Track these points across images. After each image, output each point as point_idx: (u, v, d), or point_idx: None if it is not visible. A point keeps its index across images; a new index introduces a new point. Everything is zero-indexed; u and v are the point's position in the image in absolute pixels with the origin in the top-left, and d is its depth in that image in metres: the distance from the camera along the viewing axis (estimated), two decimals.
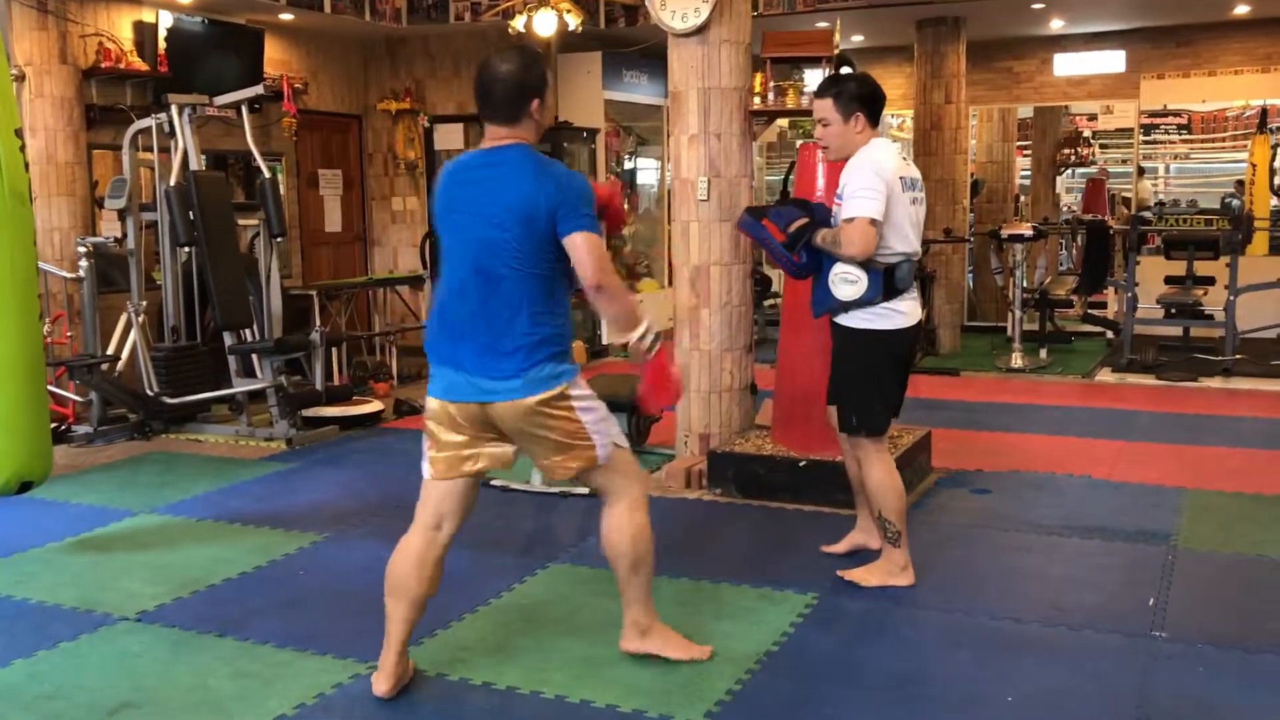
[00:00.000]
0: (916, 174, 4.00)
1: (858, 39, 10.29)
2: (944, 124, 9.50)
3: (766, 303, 9.50)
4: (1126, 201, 11.79)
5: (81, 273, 6.90)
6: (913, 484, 5.09)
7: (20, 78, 7.23)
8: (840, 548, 4.37)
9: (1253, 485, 5.32)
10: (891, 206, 3.79)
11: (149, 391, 6.68)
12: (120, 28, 7.89)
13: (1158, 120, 11.03)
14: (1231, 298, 8.34)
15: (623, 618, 3.41)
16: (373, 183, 10.34)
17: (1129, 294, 8.68)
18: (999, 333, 10.11)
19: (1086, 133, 12.80)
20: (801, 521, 4.87)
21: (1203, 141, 11.27)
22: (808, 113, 4.91)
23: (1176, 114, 11.00)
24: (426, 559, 3.20)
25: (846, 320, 3.93)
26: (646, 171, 11.30)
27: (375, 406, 7.20)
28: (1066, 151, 12.53)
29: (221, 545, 4.68)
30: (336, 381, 7.54)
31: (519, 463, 5.49)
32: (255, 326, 7.04)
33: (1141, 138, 11.00)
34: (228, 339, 6.77)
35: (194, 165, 6.80)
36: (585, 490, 5.29)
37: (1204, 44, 10.07)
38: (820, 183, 5.20)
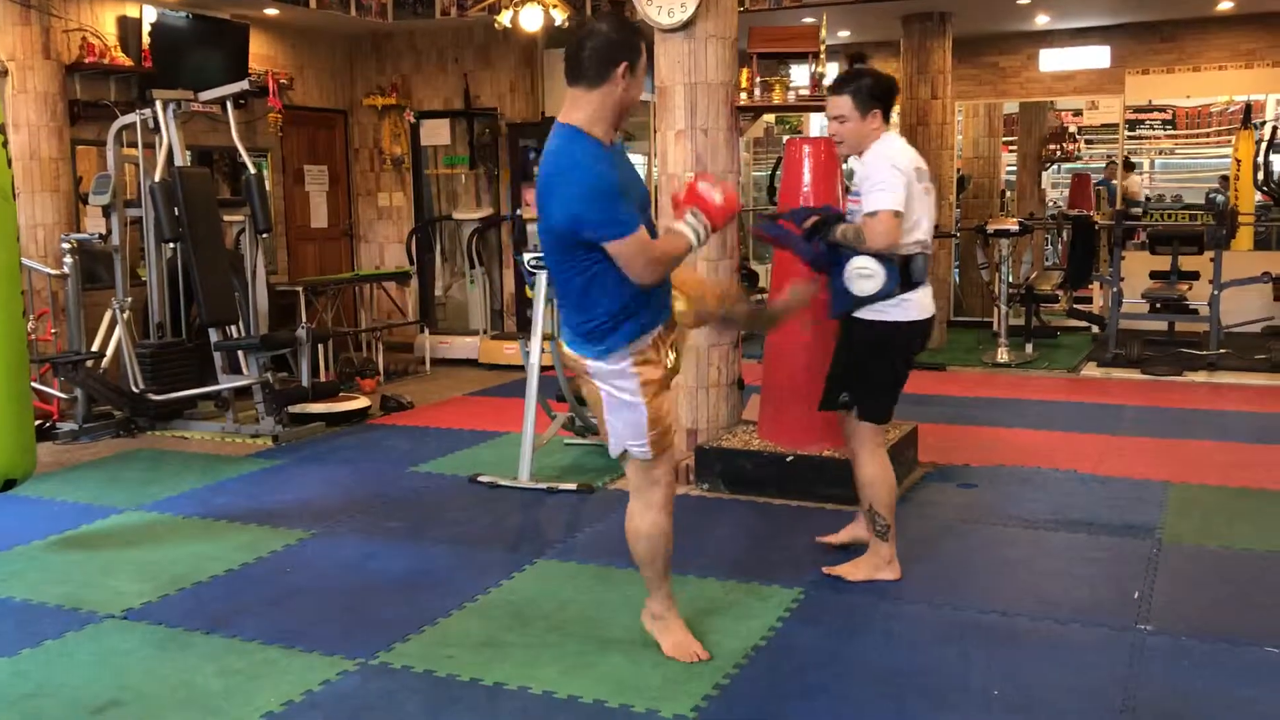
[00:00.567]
0: (925, 165, 4.02)
1: (844, 34, 10.30)
2: (930, 119, 9.51)
3: (753, 298, 9.49)
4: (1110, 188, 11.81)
5: (66, 269, 6.87)
6: (900, 479, 5.06)
7: (3, 73, 7.19)
8: (838, 539, 4.38)
9: (1237, 479, 5.35)
10: (909, 198, 3.80)
11: (134, 388, 6.65)
12: (104, 23, 7.85)
13: (1143, 115, 11.09)
14: (1216, 292, 8.39)
15: None
16: (359, 178, 10.31)
17: (1114, 289, 8.72)
18: (985, 328, 10.15)
19: (1072, 128, 12.83)
20: (788, 516, 4.88)
21: (1187, 137, 11.33)
22: (794, 108, 4.91)
23: (1161, 109, 11.07)
24: None
25: (862, 313, 3.92)
26: None
27: (362, 403, 7.18)
28: (1052, 147, 12.55)
29: (208, 542, 4.66)
30: (323, 378, 7.52)
31: (507, 459, 5.46)
32: (241, 323, 7.03)
33: (1126, 133, 11.05)
34: (213, 335, 6.74)
35: (179, 161, 6.78)
36: (573, 486, 5.31)
37: (1188, 40, 10.11)
38: (806, 178, 5.21)
